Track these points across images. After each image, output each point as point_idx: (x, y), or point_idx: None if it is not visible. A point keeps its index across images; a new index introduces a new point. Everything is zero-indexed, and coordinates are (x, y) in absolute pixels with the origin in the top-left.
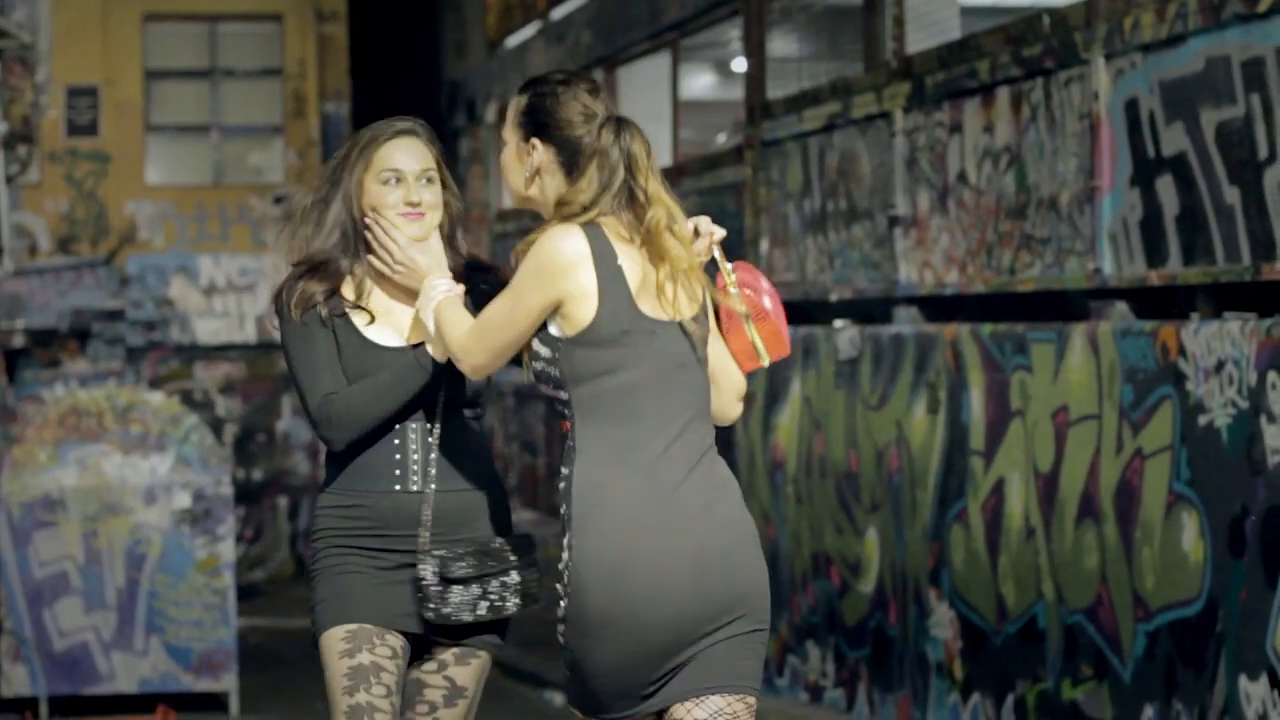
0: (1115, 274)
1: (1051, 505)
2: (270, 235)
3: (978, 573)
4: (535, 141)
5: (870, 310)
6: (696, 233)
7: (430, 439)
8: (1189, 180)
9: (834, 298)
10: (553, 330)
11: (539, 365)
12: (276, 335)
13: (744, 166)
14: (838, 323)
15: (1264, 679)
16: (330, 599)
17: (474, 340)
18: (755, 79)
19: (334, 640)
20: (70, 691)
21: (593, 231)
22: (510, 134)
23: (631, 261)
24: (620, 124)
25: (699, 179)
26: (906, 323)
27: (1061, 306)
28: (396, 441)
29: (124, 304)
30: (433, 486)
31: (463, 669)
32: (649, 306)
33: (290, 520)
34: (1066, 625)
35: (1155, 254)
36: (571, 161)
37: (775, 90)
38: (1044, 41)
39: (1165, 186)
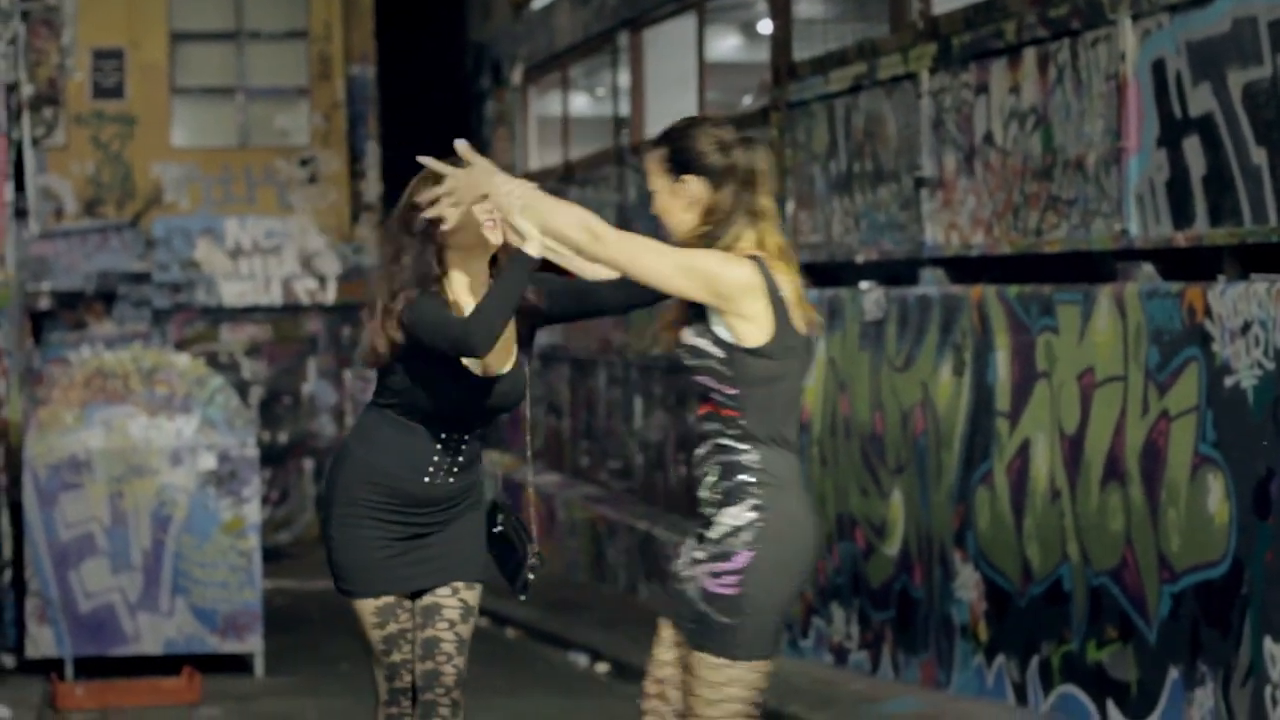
0: (1141, 235)
1: (1077, 467)
2: (296, 197)
3: (1003, 534)
4: (686, 177)
5: (896, 272)
6: None
7: (465, 445)
8: (1216, 141)
9: (860, 259)
10: (724, 335)
11: (705, 361)
12: (391, 337)
13: (770, 128)
14: (863, 284)
15: None
16: (358, 570)
17: (621, 243)
18: (781, 40)
19: (367, 612)
20: (96, 653)
21: (759, 264)
22: (659, 181)
23: (786, 285)
24: (745, 143)
25: None
26: (932, 284)
27: (1088, 268)
28: (439, 446)
29: (150, 266)
30: (452, 480)
31: (471, 593)
32: (797, 322)
33: (316, 483)
34: (1091, 587)
35: (1182, 215)
36: (719, 186)
37: (801, 52)
38: (1070, 2)
39: (1192, 147)
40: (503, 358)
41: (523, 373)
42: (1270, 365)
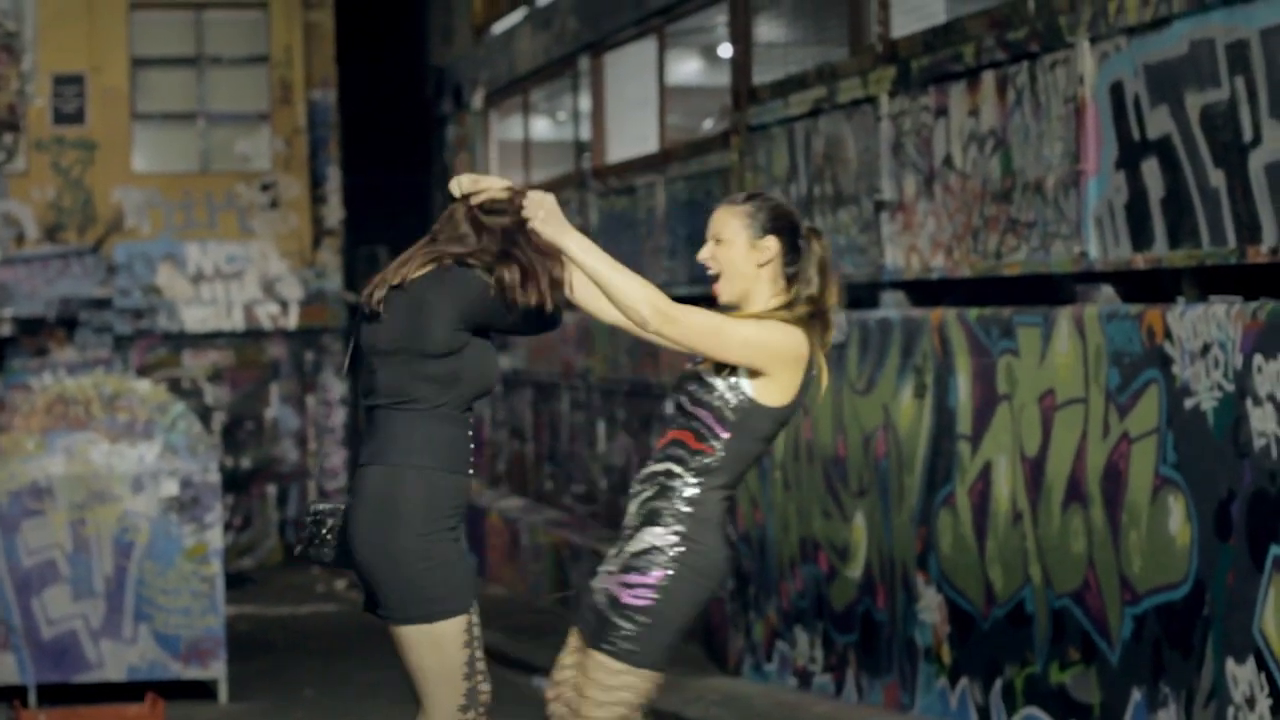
0: (1101, 257)
1: (1038, 489)
2: (257, 222)
3: (965, 557)
4: (769, 238)
5: (857, 295)
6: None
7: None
8: (1174, 163)
9: None
10: (746, 387)
11: (713, 398)
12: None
13: (730, 152)
14: None
15: (1251, 662)
16: (462, 584)
17: (690, 323)
18: (741, 64)
19: (462, 628)
20: (59, 680)
21: (809, 339)
22: (739, 234)
23: (821, 361)
24: (817, 234)
25: (685, 165)
26: (893, 307)
27: (1047, 290)
28: (470, 433)
29: (111, 292)
30: (472, 471)
31: None
32: (812, 392)
33: (279, 508)
34: (1054, 609)
35: (1141, 237)
36: (790, 258)
37: (761, 75)
38: (1029, 25)
39: (1150, 170)
40: None
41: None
42: (1230, 387)
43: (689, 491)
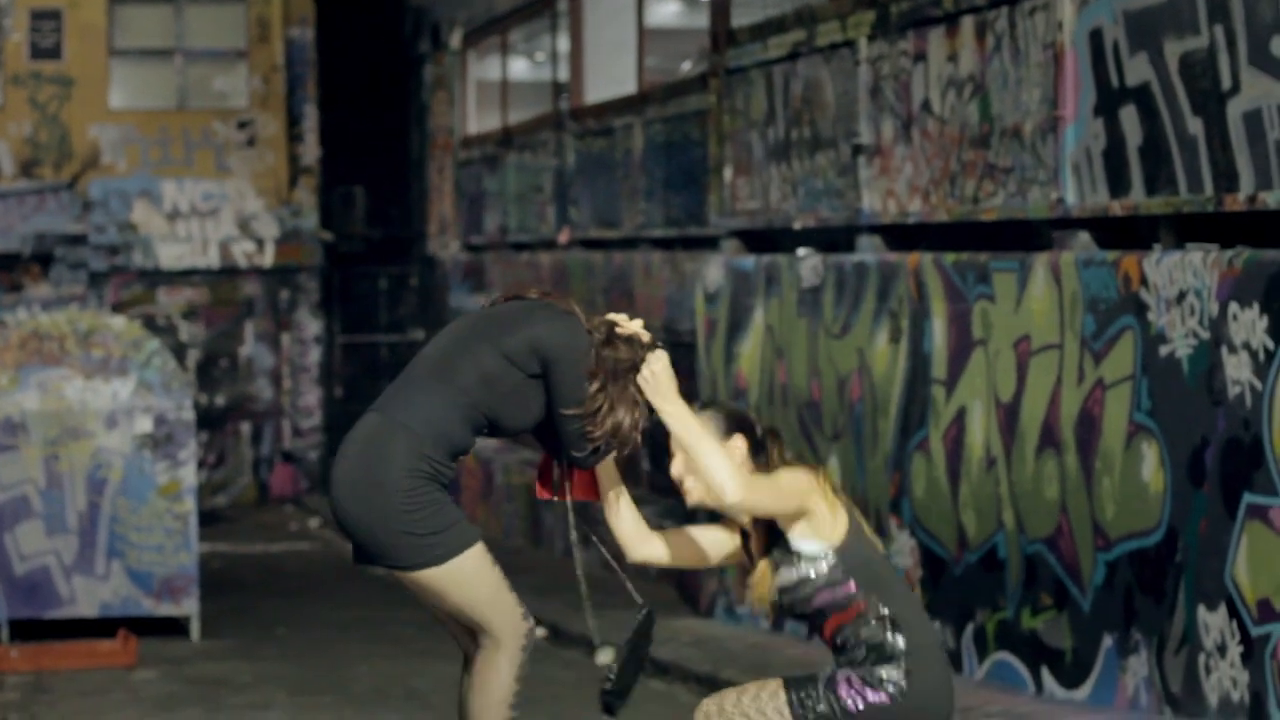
0: (1078, 204)
1: (1012, 435)
2: (234, 160)
3: (938, 502)
4: (738, 438)
5: (833, 238)
6: None
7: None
8: (1152, 111)
9: (797, 226)
10: (810, 546)
11: (815, 581)
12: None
13: (708, 94)
14: (800, 251)
15: (1222, 609)
16: (463, 519)
17: (763, 486)
18: (720, 6)
19: (482, 550)
20: (31, 615)
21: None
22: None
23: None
24: (776, 435)
25: (664, 107)
26: (869, 251)
27: (1024, 236)
28: (474, 440)
29: (87, 228)
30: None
31: None
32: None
33: (253, 445)
34: (1026, 554)
35: (1118, 184)
36: (755, 454)
37: (740, 18)
38: None
39: (1128, 117)
40: None
41: None
42: (1205, 335)
43: (891, 639)
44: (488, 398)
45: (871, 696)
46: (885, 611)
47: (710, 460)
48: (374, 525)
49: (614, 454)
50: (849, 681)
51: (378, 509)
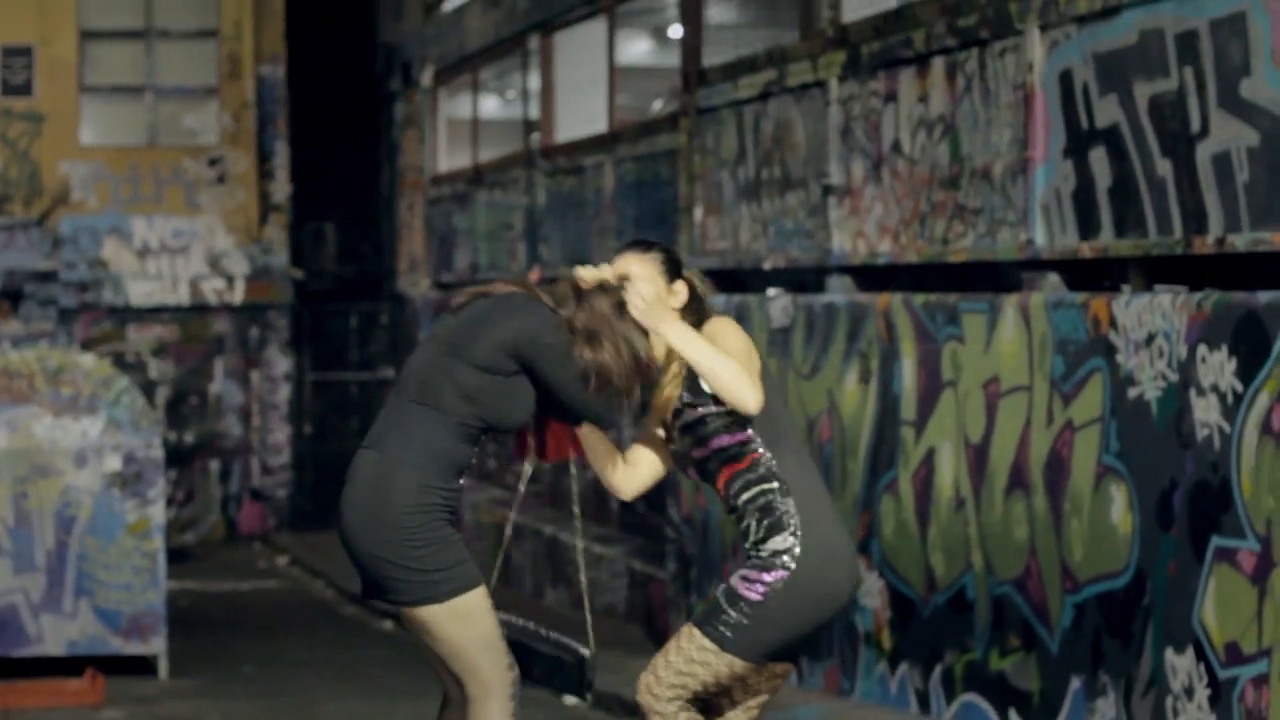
0: (1047, 245)
1: (981, 476)
2: (204, 197)
3: (907, 543)
4: (681, 284)
5: (803, 279)
6: None
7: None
8: (1122, 152)
9: (767, 266)
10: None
11: (716, 422)
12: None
13: (679, 134)
14: (770, 291)
15: (1190, 652)
16: (466, 562)
17: (756, 386)
18: (691, 46)
19: (481, 597)
20: None
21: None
22: (654, 279)
23: None
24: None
25: (634, 145)
26: (839, 292)
27: (994, 277)
28: (475, 449)
29: (57, 265)
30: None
31: None
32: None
33: (222, 483)
34: (995, 596)
35: (1087, 226)
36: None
37: (711, 57)
38: (979, 12)
39: (1098, 158)
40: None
41: None
42: (1174, 377)
43: (780, 494)
44: (475, 409)
45: (769, 578)
46: (777, 468)
47: (727, 376)
48: (382, 562)
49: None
50: (744, 579)
51: (386, 546)
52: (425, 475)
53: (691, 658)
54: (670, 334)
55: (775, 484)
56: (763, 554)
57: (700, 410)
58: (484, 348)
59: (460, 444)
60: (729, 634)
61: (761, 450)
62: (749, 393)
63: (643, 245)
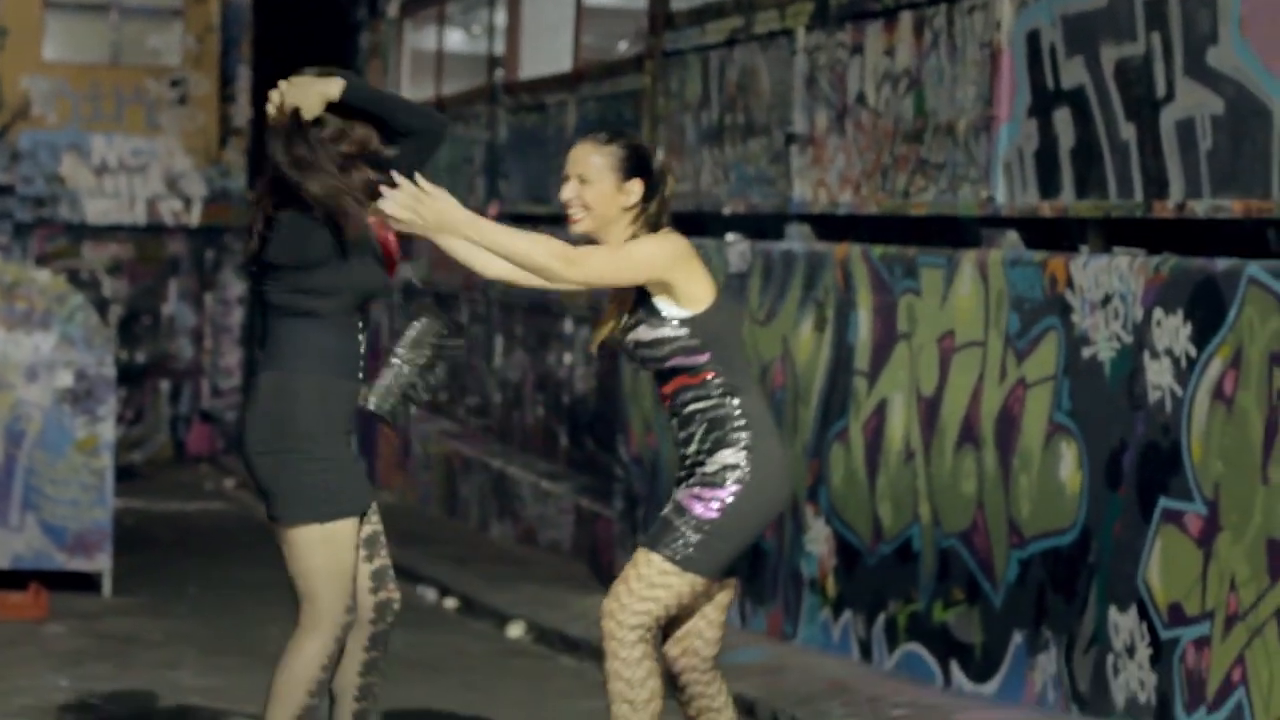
0: (1008, 203)
1: (932, 429)
2: (165, 118)
3: (856, 492)
4: (634, 181)
5: (763, 226)
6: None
7: (363, 337)
8: (1086, 114)
9: (727, 211)
10: (675, 312)
11: (672, 345)
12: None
13: (644, 76)
14: (729, 236)
15: (1133, 611)
16: (349, 487)
17: (594, 265)
18: None
19: (349, 532)
20: None
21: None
22: (605, 176)
23: None
24: (670, 172)
25: (598, 86)
26: (798, 240)
27: (953, 232)
28: (360, 339)
29: (14, 179)
30: (362, 376)
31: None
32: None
33: (171, 404)
34: (941, 548)
35: (1049, 185)
36: (648, 197)
37: (679, 2)
38: None
39: (1062, 119)
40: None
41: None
42: (1128, 339)
43: (730, 410)
44: (336, 300)
45: (724, 494)
46: (728, 383)
47: (524, 249)
48: (278, 476)
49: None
50: (697, 498)
51: (285, 460)
52: (324, 382)
53: (653, 582)
54: (459, 233)
55: (726, 399)
56: (709, 469)
57: (656, 333)
58: (310, 256)
59: (347, 336)
60: (691, 553)
61: (716, 369)
62: (554, 262)
63: (605, 136)
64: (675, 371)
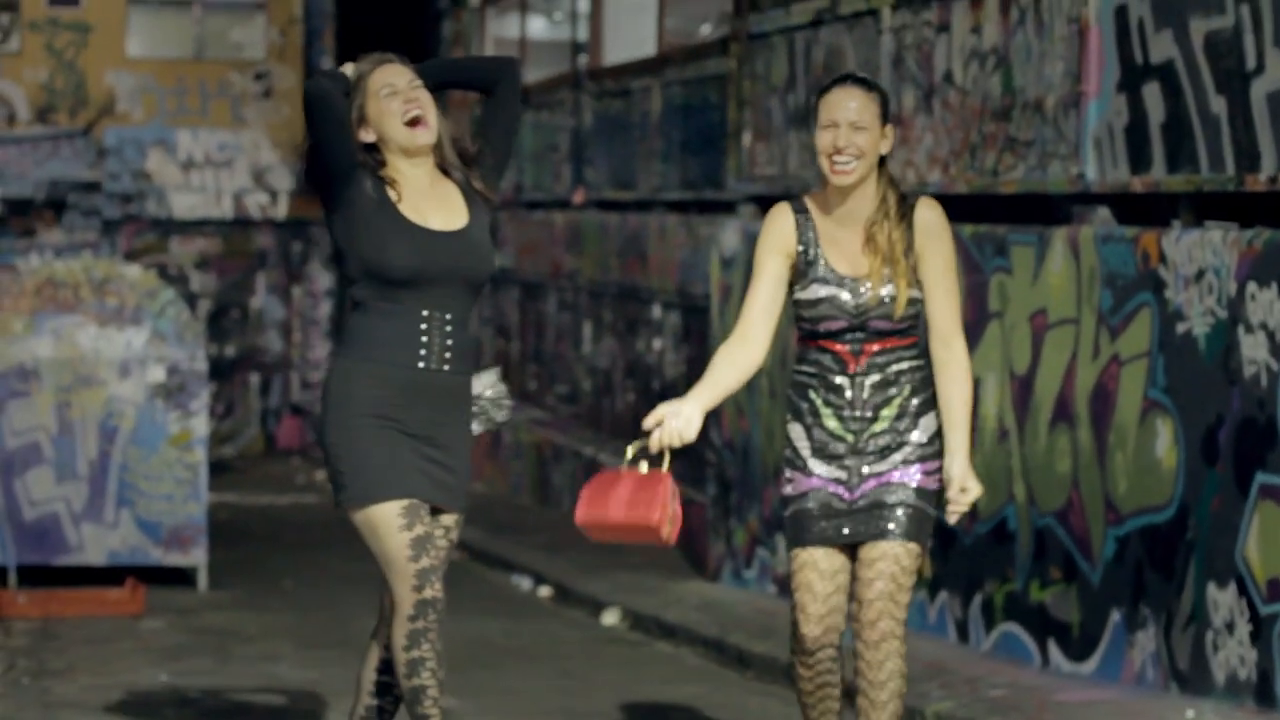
0: (1098, 179)
1: (1026, 408)
2: (249, 111)
3: None
4: (889, 127)
5: None
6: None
7: (450, 328)
8: (1176, 88)
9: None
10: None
11: (918, 306)
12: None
13: (729, 59)
14: None
15: (1232, 587)
16: (378, 471)
17: (959, 304)
18: None
19: (392, 515)
20: (39, 561)
21: None
22: (874, 123)
23: None
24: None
25: (683, 69)
26: None
27: (1043, 210)
28: (423, 326)
29: (101, 176)
30: (447, 368)
31: (456, 520)
32: None
33: (262, 397)
34: (1037, 527)
35: (1139, 160)
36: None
37: None
38: None
39: (1151, 94)
40: (445, 212)
41: (483, 233)
42: (1222, 313)
43: (927, 373)
44: (341, 272)
45: (940, 465)
46: (923, 344)
47: (967, 389)
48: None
49: None
50: (929, 474)
51: (321, 443)
52: (345, 365)
53: (913, 572)
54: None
55: (926, 360)
56: (919, 438)
57: (914, 292)
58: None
59: (370, 316)
60: (930, 530)
61: (920, 333)
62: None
63: (865, 83)
64: (893, 333)
